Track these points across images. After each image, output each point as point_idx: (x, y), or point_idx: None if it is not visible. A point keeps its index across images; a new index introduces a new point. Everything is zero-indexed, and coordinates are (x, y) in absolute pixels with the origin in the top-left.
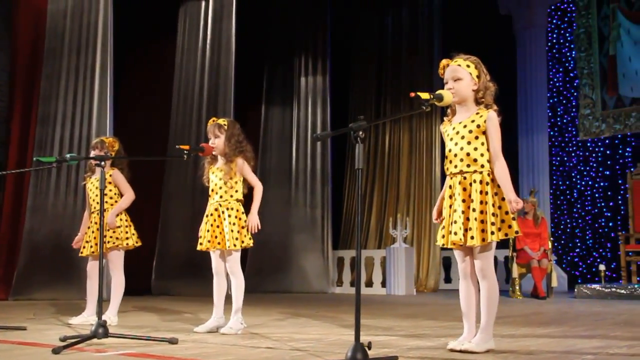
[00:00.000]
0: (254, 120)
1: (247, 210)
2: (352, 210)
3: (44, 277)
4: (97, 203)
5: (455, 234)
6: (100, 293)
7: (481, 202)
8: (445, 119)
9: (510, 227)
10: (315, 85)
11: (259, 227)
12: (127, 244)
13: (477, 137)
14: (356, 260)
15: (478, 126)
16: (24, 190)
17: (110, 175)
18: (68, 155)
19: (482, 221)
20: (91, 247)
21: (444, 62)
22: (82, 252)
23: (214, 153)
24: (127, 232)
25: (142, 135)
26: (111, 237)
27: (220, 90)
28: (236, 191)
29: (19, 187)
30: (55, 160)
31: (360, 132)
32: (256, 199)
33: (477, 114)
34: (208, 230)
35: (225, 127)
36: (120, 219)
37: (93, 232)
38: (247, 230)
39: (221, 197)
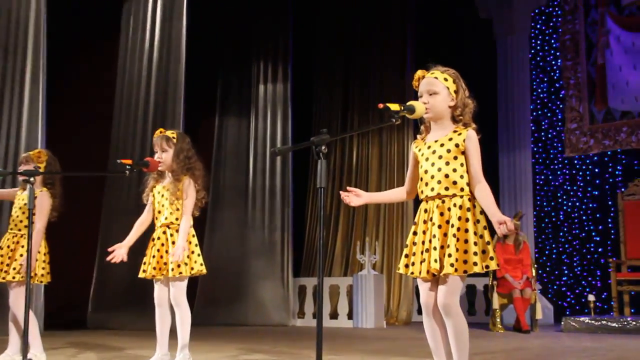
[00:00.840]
0: (206, 133)
1: (198, 232)
2: (315, 233)
3: None
4: (19, 224)
5: (436, 262)
6: (25, 327)
7: (459, 229)
8: (418, 137)
9: (492, 258)
10: (275, 94)
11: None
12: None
13: (455, 158)
14: (318, 289)
15: (457, 145)
16: None
17: (35, 198)
18: None
19: (465, 251)
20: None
21: (419, 73)
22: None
23: (160, 169)
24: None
25: (79, 148)
26: (14, 268)
27: (169, 98)
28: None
29: None
30: None
31: (323, 147)
32: (181, 231)
33: (455, 132)
34: (154, 256)
35: (174, 140)
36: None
37: (10, 256)
38: (198, 255)
39: (166, 218)
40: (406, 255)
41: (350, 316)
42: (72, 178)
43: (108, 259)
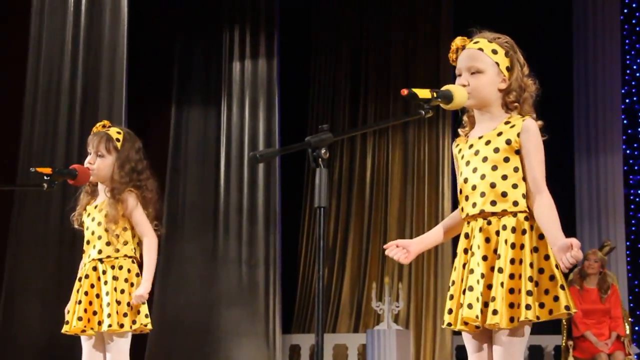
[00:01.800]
0: (157, 130)
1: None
2: (312, 269)
3: None
4: None
5: (470, 307)
6: None
7: (512, 261)
8: (460, 132)
9: (557, 299)
10: (255, 75)
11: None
12: None
13: (507, 159)
14: (316, 351)
15: (508, 142)
16: None
17: None
18: None
19: (511, 290)
20: None
21: (457, 42)
22: None
23: (91, 179)
24: None
25: None
26: None
27: (104, 81)
28: (125, 243)
29: None
30: None
31: (324, 150)
32: (147, 260)
33: (507, 123)
34: (80, 302)
35: (119, 143)
36: None
37: None
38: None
39: (100, 251)
40: (452, 297)
41: None
42: None
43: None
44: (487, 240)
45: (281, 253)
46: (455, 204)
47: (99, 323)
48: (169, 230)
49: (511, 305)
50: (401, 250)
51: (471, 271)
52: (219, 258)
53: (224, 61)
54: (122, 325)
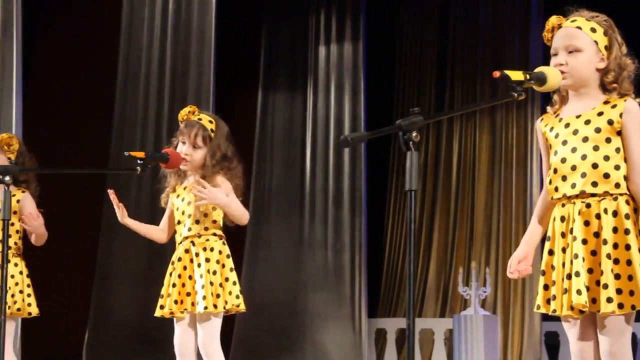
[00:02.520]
0: (244, 114)
1: (235, 253)
2: (398, 254)
3: None
4: None
5: (579, 293)
6: None
7: (615, 246)
8: (548, 109)
9: None
10: (341, 59)
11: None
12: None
13: (608, 140)
14: (407, 333)
15: (610, 122)
16: None
17: (18, 202)
18: None
19: (617, 276)
20: None
21: (553, 20)
22: None
23: (182, 168)
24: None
25: (69, 136)
26: None
27: (193, 67)
28: (214, 221)
29: None
30: None
31: (415, 133)
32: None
33: (607, 103)
34: (174, 285)
35: (213, 133)
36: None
37: None
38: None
39: (190, 229)
40: (545, 287)
41: None
42: (59, 178)
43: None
44: (587, 223)
45: (367, 237)
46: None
47: (192, 304)
48: (255, 214)
49: (618, 292)
50: (523, 264)
51: (575, 256)
52: (304, 242)
53: (309, 45)
54: (215, 307)
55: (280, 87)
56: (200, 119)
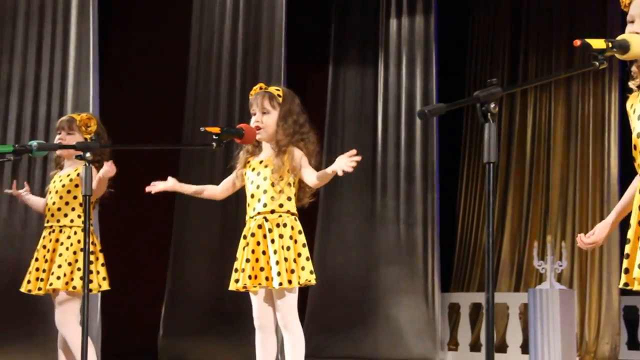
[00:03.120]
0: (315, 89)
1: (307, 228)
2: (471, 228)
3: None
4: (55, 215)
5: None
6: (83, 350)
7: None
8: (631, 85)
9: None
10: (412, 32)
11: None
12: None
13: None
14: (486, 307)
15: None
16: None
17: (78, 175)
18: (33, 143)
19: None
20: (39, 285)
21: None
22: (25, 288)
23: (258, 138)
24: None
25: (143, 113)
26: (58, 277)
27: (264, 43)
28: (289, 198)
29: None
30: (13, 150)
31: (493, 105)
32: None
33: None
34: (248, 260)
35: (280, 99)
36: (75, 252)
37: (46, 260)
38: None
39: (265, 205)
40: (627, 256)
41: (525, 349)
42: (134, 155)
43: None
44: None
45: (439, 211)
46: (623, 161)
47: (266, 279)
48: (327, 189)
49: None
50: (594, 237)
51: None
52: (377, 217)
53: (380, 19)
54: (290, 282)
55: (351, 62)
56: (267, 90)
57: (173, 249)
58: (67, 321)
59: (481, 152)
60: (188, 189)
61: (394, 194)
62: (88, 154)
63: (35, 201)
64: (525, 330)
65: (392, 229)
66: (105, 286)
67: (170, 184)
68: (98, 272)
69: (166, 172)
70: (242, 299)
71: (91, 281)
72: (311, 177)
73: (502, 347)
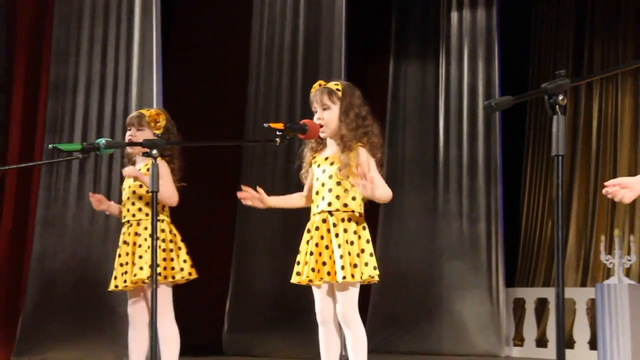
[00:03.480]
0: (376, 83)
1: (369, 223)
2: (535, 222)
3: (64, 327)
4: (130, 210)
5: None
6: (151, 351)
7: None
8: None
9: None
10: (474, 25)
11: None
12: (174, 276)
13: None
14: (556, 302)
15: None
16: (32, 195)
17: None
18: (101, 141)
19: None
20: (116, 277)
21: None
22: (112, 285)
23: (321, 135)
24: (172, 259)
25: (205, 109)
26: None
27: (324, 37)
28: (353, 198)
29: (24, 190)
30: (81, 149)
31: (561, 97)
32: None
33: None
34: (311, 253)
35: (340, 93)
36: (163, 240)
37: (128, 254)
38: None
39: (330, 204)
40: None
41: (592, 345)
42: (196, 152)
43: (239, 195)
44: None
45: (502, 206)
46: None
47: (328, 273)
48: (389, 185)
49: None
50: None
51: None
52: (439, 212)
53: (441, 11)
54: (353, 276)
55: (412, 55)
56: (326, 86)
57: (236, 244)
58: (161, 311)
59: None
60: (277, 202)
61: (457, 189)
62: (155, 151)
63: (115, 209)
64: (592, 326)
65: (455, 224)
66: (195, 274)
67: (264, 199)
68: (185, 261)
69: (228, 170)
70: (305, 294)
71: (182, 269)
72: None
73: (569, 343)
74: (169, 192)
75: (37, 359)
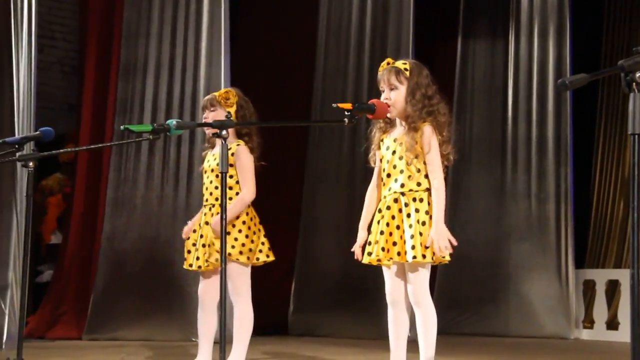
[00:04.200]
0: (444, 62)
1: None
2: (606, 203)
3: (133, 306)
4: (213, 193)
5: None
6: (221, 331)
7: None
8: None
9: None
10: (545, 1)
11: (453, 245)
12: (257, 258)
13: None
14: (631, 283)
15: None
16: (102, 176)
17: (232, 154)
18: (172, 122)
19: None
20: (198, 258)
21: None
22: (193, 265)
23: (389, 115)
24: (253, 242)
25: (272, 90)
26: (233, 247)
27: (392, 17)
28: (425, 176)
29: (94, 171)
30: (152, 130)
31: (638, 74)
32: (436, 202)
33: None
34: (382, 232)
35: (407, 73)
36: (244, 222)
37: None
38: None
39: (403, 185)
40: None
41: None
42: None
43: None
44: None
45: (573, 186)
46: None
47: (398, 254)
48: (456, 165)
49: None
50: None
51: None
52: (507, 192)
53: None
54: (424, 257)
55: (481, 34)
56: (393, 65)
57: (302, 224)
58: (241, 292)
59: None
60: (367, 219)
61: (525, 169)
62: (224, 132)
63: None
64: None
65: (523, 205)
66: (272, 257)
67: (364, 237)
68: (263, 244)
69: (295, 149)
70: (371, 275)
71: (261, 251)
72: (429, 171)
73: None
74: (250, 190)
75: (107, 337)
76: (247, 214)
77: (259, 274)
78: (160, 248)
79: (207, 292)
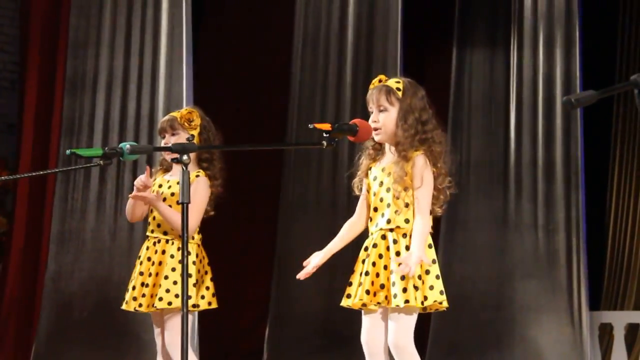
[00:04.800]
0: (437, 77)
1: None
2: (624, 234)
3: (82, 357)
4: (162, 225)
5: None
6: None
7: None
8: None
9: None
10: (551, 7)
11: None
12: (195, 305)
13: None
14: None
15: None
16: (46, 207)
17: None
18: (125, 145)
19: None
20: (135, 299)
21: None
22: (131, 305)
23: (376, 139)
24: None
25: (241, 108)
26: (177, 295)
27: (378, 25)
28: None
29: (37, 201)
30: (103, 154)
31: None
32: (418, 232)
33: None
34: (366, 273)
35: (400, 93)
36: (194, 262)
37: (150, 272)
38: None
39: (389, 221)
40: None
41: None
42: (231, 158)
43: (298, 276)
44: None
45: (585, 215)
46: None
47: (386, 297)
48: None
49: None
50: None
51: None
52: (510, 223)
53: None
54: (407, 301)
55: (478, 43)
56: (385, 83)
57: (277, 260)
58: (176, 343)
59: (637, 144)
60: (334, 247)
61: (531, 196)
62: (185, 157)
63: (143, 208)
64: None
65: (528, 237)
66: (215, 304)
67: (317, 260)
68: (208, 288)
69: (268, 177)
70: (357, 319)
71: (203, 297)
72: (416, 208)
73: None
74: (193, 222)
75: None
76: (197, 255)
77: (227, 318)
78: (113, 289)
79: (165, 337)
